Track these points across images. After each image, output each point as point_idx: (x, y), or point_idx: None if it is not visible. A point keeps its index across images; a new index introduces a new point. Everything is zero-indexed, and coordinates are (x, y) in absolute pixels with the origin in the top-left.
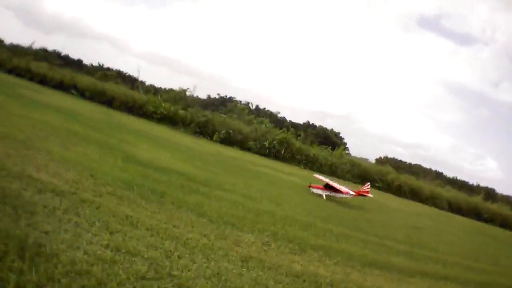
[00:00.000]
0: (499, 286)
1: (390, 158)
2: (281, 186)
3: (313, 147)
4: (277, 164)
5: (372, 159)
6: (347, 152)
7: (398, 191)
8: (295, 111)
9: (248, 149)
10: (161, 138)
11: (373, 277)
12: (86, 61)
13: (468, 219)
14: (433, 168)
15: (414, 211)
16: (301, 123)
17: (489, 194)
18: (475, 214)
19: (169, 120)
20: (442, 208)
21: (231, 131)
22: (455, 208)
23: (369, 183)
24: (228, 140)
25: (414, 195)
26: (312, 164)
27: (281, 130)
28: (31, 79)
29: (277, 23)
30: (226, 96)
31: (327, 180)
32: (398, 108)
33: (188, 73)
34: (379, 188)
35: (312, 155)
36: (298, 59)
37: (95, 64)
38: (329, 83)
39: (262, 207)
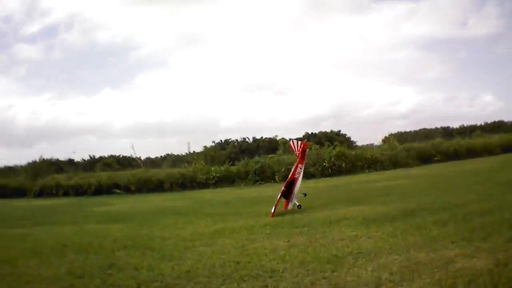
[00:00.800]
0: None
1: (395, 134)
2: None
3: (367, 149)
4: (362, 177)
5: (377, 142)
6: (354, 144)
7: (456, 156)
8: (289, 129)
9: (313, 176)
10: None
11: None
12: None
13: None
14: (438, 126)
15: None
16: (301, 136)
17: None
18: None
19: (225, 180)
20: (497, 154)
21: (289, 166)
22: (508, 149)
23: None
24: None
25: (469, 154)
26: (375, 165)
27: (318, 146)
28: (66, 194)
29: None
30: (224, 140)
31: None
32: (380, 83)
33: (175, 133)
34: (439, 161)
35: (370, 156)
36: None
37: (86, 158)
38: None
39: None
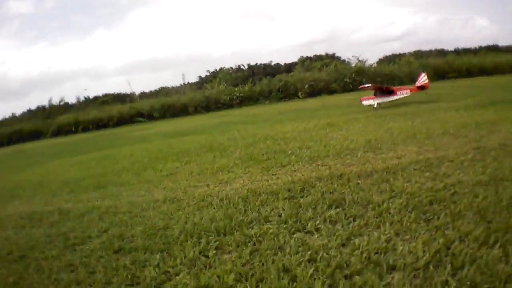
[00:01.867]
0: None
1: (389, 56)
2: None
3: (382, 66)
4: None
5: (373, 63)
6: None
7: (468, 73)
8: (282, 53)
9: (334, 91)
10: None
11: None
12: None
13: None
14: (432, 48)
15: None
16: (296, 60)
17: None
18: None
19: (248, 99)
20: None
21: (312, 82)
22: None
23: (424, 74)
24: (313, 92)
25: (480, 72)
26: (393, 81)
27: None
28: (85, 130)
29: None
30: (218, 69)
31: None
32: (373, 4)
33: (166, 67)
34: (455, 77)
35: (389, 73)
36: None
37: (82, 99)
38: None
39: None
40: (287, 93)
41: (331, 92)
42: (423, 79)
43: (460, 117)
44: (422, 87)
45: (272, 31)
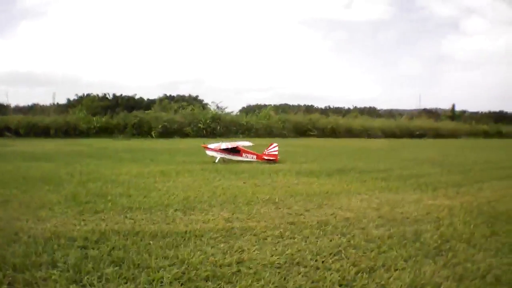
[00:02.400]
0: None
1: (254, 105)
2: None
3: (240, 116)
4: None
5: (236, 111)
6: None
7: (333, 133)
8: (146, 89)
9: (187, 135)
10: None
11: None
12: None
13: (411, 139)
14: (301, 103)
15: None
16: (157, 97)
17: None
18: (408, 134)
19: (104, 131)
20: (380, 137)
21: (166, 123)
22: (389, 134)
23: (275, 144)
24: (167, 132)
25: (348, 133)
26: (249, 132)
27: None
28: None
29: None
30: (84, 94)
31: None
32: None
33: (42, 83)
34: (317, 136)
35: (245, 124)
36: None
37: None
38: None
39: None
40: (141, 130)
41: (184, 135)
42: (273, 150)
43: (297, 184)
44: (269, 159)
45: (140, 64)
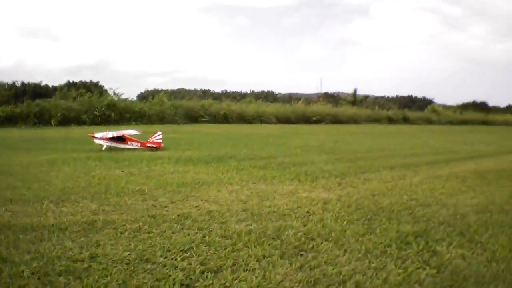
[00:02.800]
0: None
1: (152, 90)
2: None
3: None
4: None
5: (134, 97)
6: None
7: (225, 120)
8: (49, 74)
9: (84, 123)
10: None
11: None
12: None
13: (307, 125)
14: (198, 88)
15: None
16: (63, 83)
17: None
18: (305, 119)
19: (9, 121)
20: (273, 123)
21: (64, 111)
22: (283, 120)
23: (160, 132)
24: (66, 120)
25: (241, 119)
26: (142, 118)
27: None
28: None
29: None
30: None
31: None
32: (150, 41)
33: None
34: (208, 122)
35: (138, 110)
36: None
37: None
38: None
39: None
40: (42, 119)
41: (82, 123)
42: (157, 138)
43: (172, 172)
44: (153, 147)
45: (49, 50)
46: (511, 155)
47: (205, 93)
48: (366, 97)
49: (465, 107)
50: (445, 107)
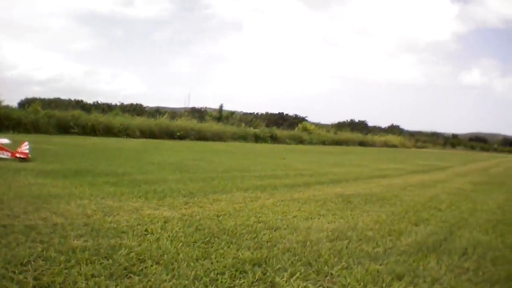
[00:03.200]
0: None
1: (30, 99)
2: None
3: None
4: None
5: (14, 104)
6: None
7: (93, 131)
8: None
9: None
10: None
11: None
12: None
13: (171, 140)
14: (72, 98)
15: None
16: None
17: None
18: (169, 134)
19: None
20: (137, 137)
21: None
22: (147, 134)
23: (27, 143)
24: None
25: (108, 131)
26: (19, 127)
27: None
28: None
29: None
30: None
31: None
32: (30, 46)
33: None
34: (78, 134)
35: (16, 118)
36: None
37: None
38: None
39: None
40: None
41: None
42: (24, 148)
43: (29, 184)
44: (20, 157)
45: None
46: (383, 178)
47: (78, 104)
48: (232, 113)
49: (341, 126)
50: (319, 125)
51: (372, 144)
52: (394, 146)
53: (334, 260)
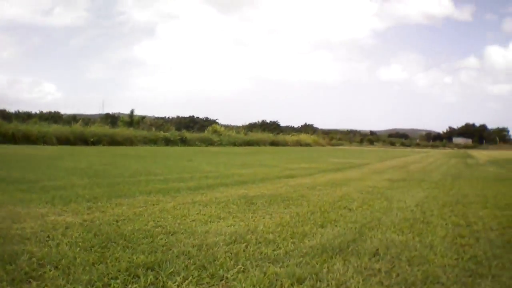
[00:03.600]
0: None
1: None
2: None
3: None
4: None
5: None
6: None
7: (13, 139)
8: None
9: None
10: None
11: None
12: None
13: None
14: None
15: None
16: None
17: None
18: (83, 140)
19: None
20: (53, 144)
21: None
22: (63, 141)
23: None
24: None
25: (27, 139)
26: None
27: None
28: None
29: None
30: None
31: None
32: None
33: None
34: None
35: None
36: None
37: None
38: None
39: None
40: None
41: None
42: None
43: None
44: None
45: None
46: (291, 178)
47: (1, 112)
48: (143, 117)
49: (253, 127)
50: (229, 127)
51: (284, 144)
52: (307, 145)
53: (230, 263)
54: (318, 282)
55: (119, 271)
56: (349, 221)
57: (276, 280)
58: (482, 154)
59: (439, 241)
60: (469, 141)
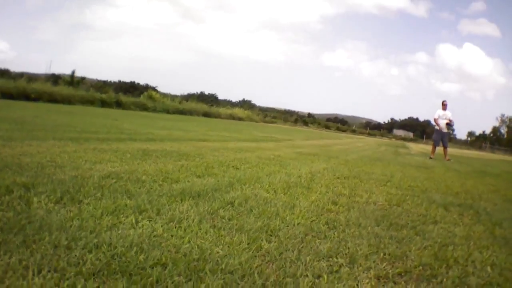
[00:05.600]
0: None
1: None
2: None
3: None
4: None
5: None
6: None
7: None
8: None
9: None
10: None
11: None
12: None
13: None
14: None
15: None
16: None
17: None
18: (25, 96)
19: None
20: None
21: None
22: (7, 95)
23: None
24: None
25: None
26: None
27: None
28: None
29: None
30: None
31: None
32: None
33: None
34: None
35: None
36: None
37: None
38: None
39: None
40: None
41: None
42: None
43: None
44: None
45: None
46: (202, 142)
47: None
48: (83, 78)
49: (190, 97)
50: (167, 95)
51: (217, 116)
52: (240, 119)
53: (93, 192)
54: (158, 216)
55: (1, 187)
56: (228, 176)
57: (123, 209)
58: (419, 147)
59: (306, 204)
60: (409, 134)
